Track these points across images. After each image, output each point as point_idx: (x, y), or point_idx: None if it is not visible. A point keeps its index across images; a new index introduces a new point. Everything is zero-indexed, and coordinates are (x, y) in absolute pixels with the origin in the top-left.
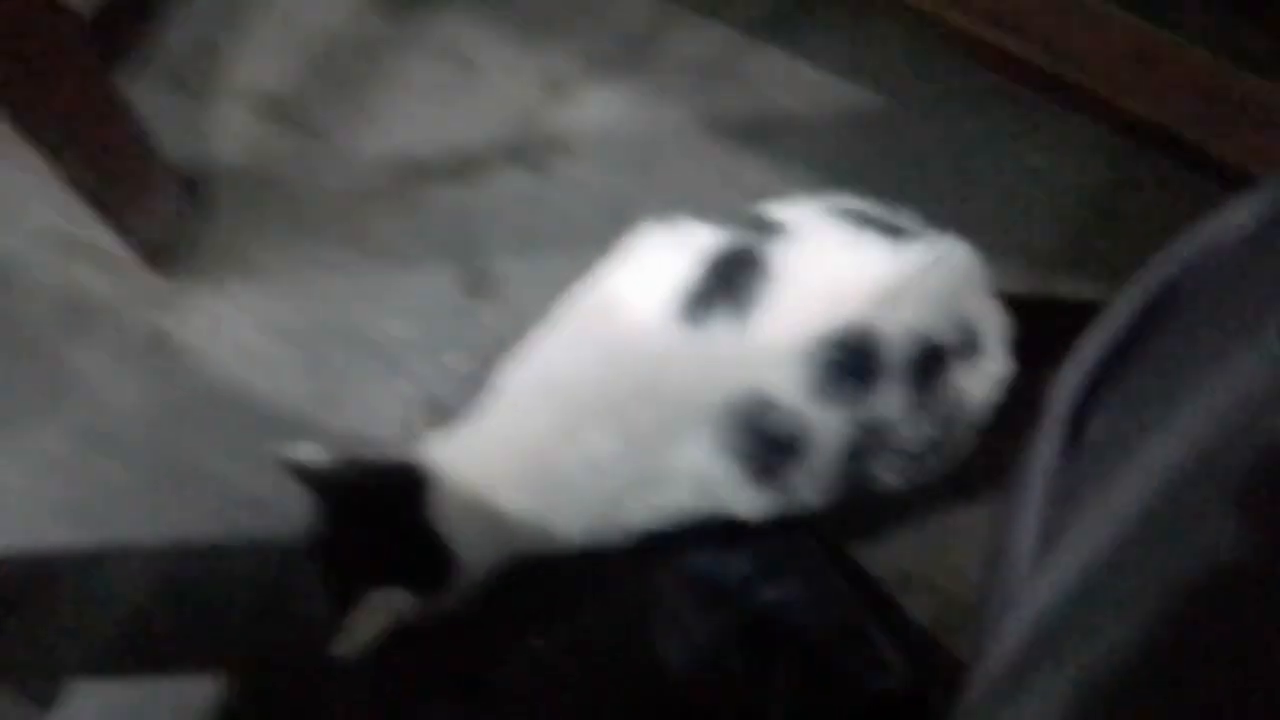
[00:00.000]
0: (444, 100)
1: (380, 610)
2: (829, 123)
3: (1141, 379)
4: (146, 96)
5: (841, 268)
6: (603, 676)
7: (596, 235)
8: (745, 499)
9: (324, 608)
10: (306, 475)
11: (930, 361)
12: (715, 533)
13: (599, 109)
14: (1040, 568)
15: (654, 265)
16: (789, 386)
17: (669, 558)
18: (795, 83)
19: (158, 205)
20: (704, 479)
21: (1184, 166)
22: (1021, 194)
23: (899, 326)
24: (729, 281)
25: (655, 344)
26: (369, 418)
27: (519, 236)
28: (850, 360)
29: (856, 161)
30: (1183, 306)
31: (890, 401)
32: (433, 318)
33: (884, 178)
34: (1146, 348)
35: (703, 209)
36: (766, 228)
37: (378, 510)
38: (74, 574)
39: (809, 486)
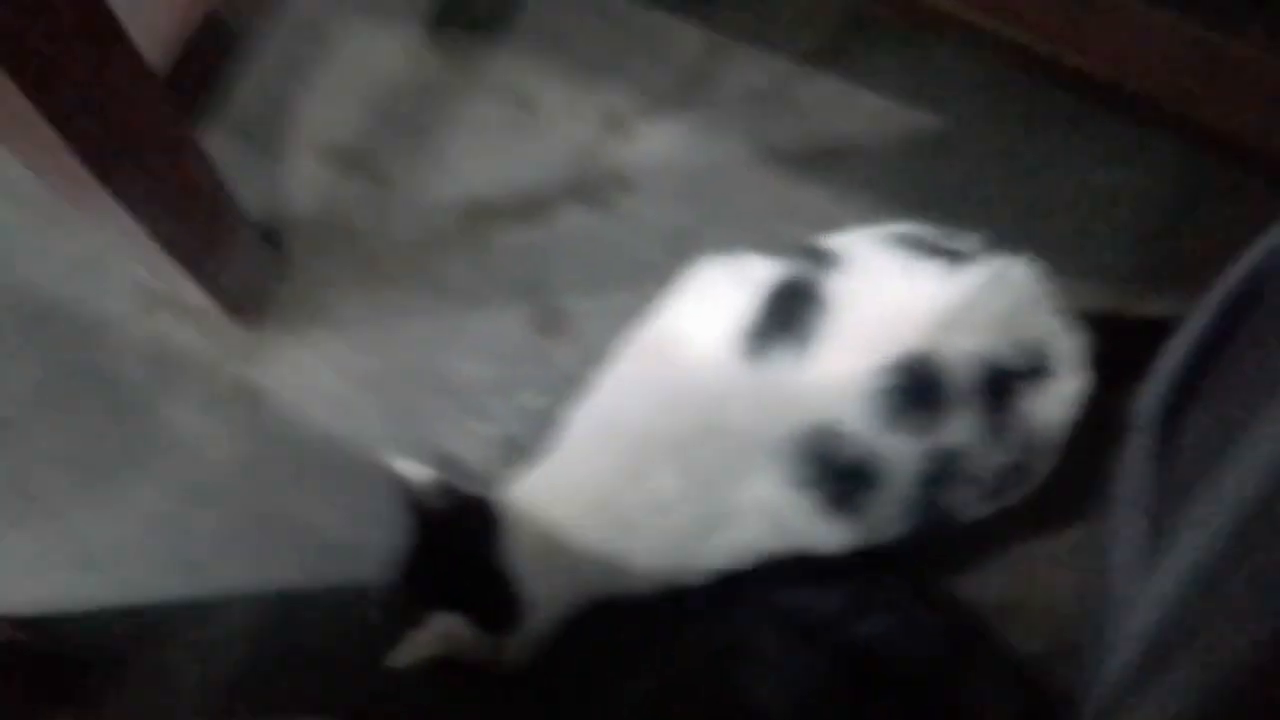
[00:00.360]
0: (506, 141)
1: (440, 634)
2: (889, 148)
3: (1230, 382)
4: (220, 151)
5: (898, 295)
6: None
7: (660, 269)
8: (821, 531)
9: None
10: (404, 490)
11: (998, 386)
12: (801, 570)
13: (658, 143)
14: (1153, 573)
15: (713, 300)
16: (855, 417)
17: (755, 597)
18: (853, 109)
19: (239, 258)
20: (774, 514)
21: (1255, 175)
22: (1090, 211)
23: (960, 352)
24: (788, 314)
25: (716, 380)
26: (450, 460)
27: (586, 273)
28: (913, 389)
29: (919, 187)
30: (1265, 308)
31: (959, 429)
32: (507, 358)
33: (947, 202)
34: (1232, 351)
35: (764, 240)
36: (824, 258)
37: (453, 541)
38: (182, 626)
39: (886, 516)
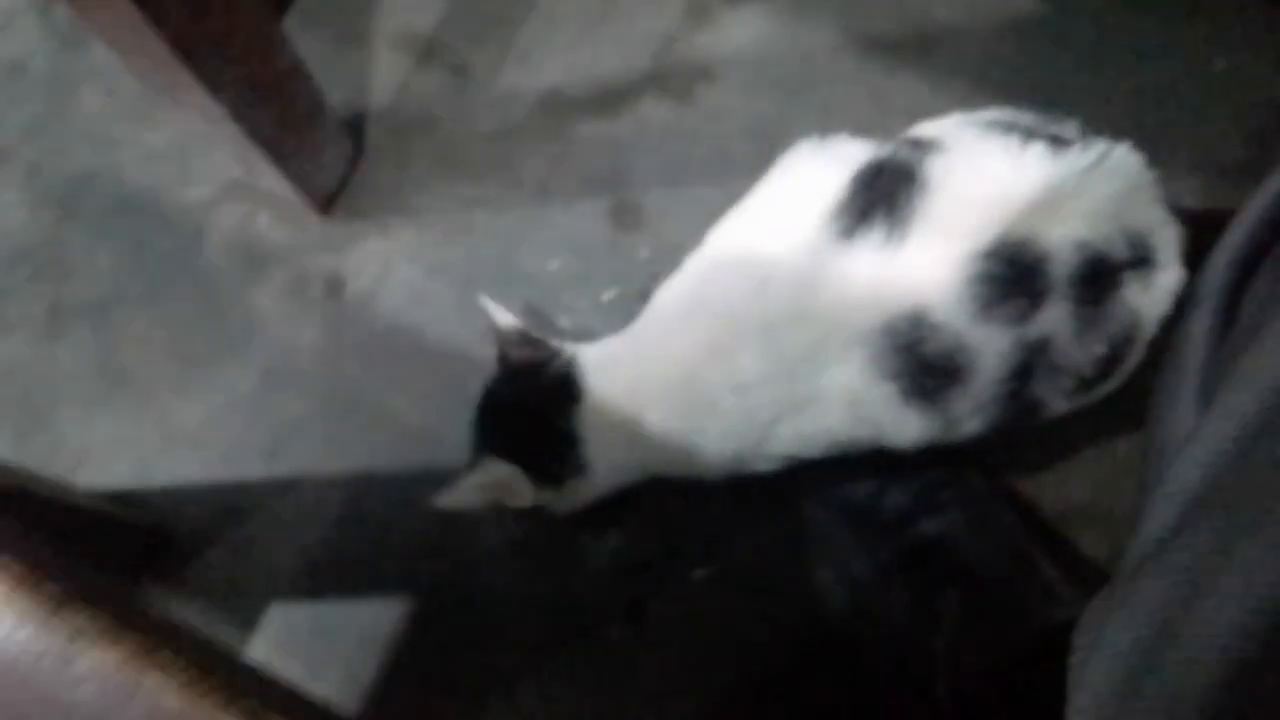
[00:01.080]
0: (586, 31)
1: (491, 481)
2: (987, 33)
3: None
4: (300, 41)
5: (997, 179)
6: (763, 607)
7: (744, 162)
8: (902, 423)
9: (496, 539)
10: (495, 332)
11: (1098, 275)
12: (871, 465)
13: (742, 32)
14: (1195, 437)
15: (808, 182)
16: (948, 305)
17: (824, 491)
18: None
19: (321, 147)
20: (858, 402)
21: None
22: (1204, 101)
23: (1063, 238)
24: (884, 198)
25: (809, 263)
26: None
27: (666, 167)
28: (1012, 275)
29: (1019, 73)
30: None
31: (1055, 318)
32: (586, 252)
33: (1050, 89)
34: None
35: (855, 130)
36: (920, 143)
37: (526, 391)
38: (265, 506)
39: (971, 410)
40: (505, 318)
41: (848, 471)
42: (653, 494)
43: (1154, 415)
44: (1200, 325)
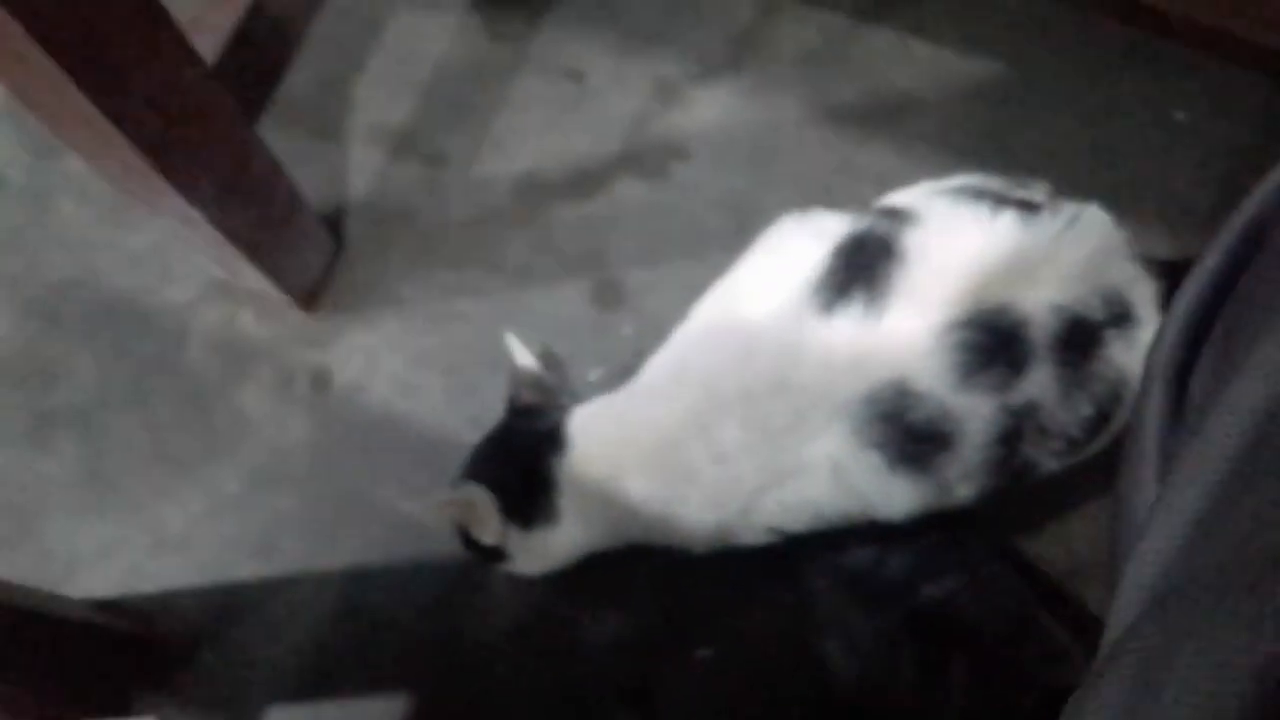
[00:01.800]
0: (558, 115)
1: (467, 501)
2: (950, 99)
3: (1230, 325)
4: (274, 138)
5: (972, 248)
6: (769, 684)
7: (720, 235)
8: (889, 493)
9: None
10: (512, 371)
11: (1079, 336)
12: (870, 533)
13: (711, 109)
14: (1149, 523)
15: (786, 254)
16: (930, 375)
17: (825, 560)
18: (909, 61)
19: (300, 244)
20: (842, 472)
21: None
22: (1167, 153)
23: (1039, 303)
24: (862, 270)
25: (790, 335)
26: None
27: (644, 244)
28: (992, 342)
29: (984, 137)
30: (1269, 251)
31: (1039, 382)
32: (570, 333)
33: (1015, 151)
34: (1235, 295)
35: (826, 201)
36: (895, 214)
37: (519, 435)
38: (258, 605)
39: (960, 476)
40: (525, 358)
41: (847, 539)
42: (651, 572)
43: (1117, 496)
44: (1154, 404)
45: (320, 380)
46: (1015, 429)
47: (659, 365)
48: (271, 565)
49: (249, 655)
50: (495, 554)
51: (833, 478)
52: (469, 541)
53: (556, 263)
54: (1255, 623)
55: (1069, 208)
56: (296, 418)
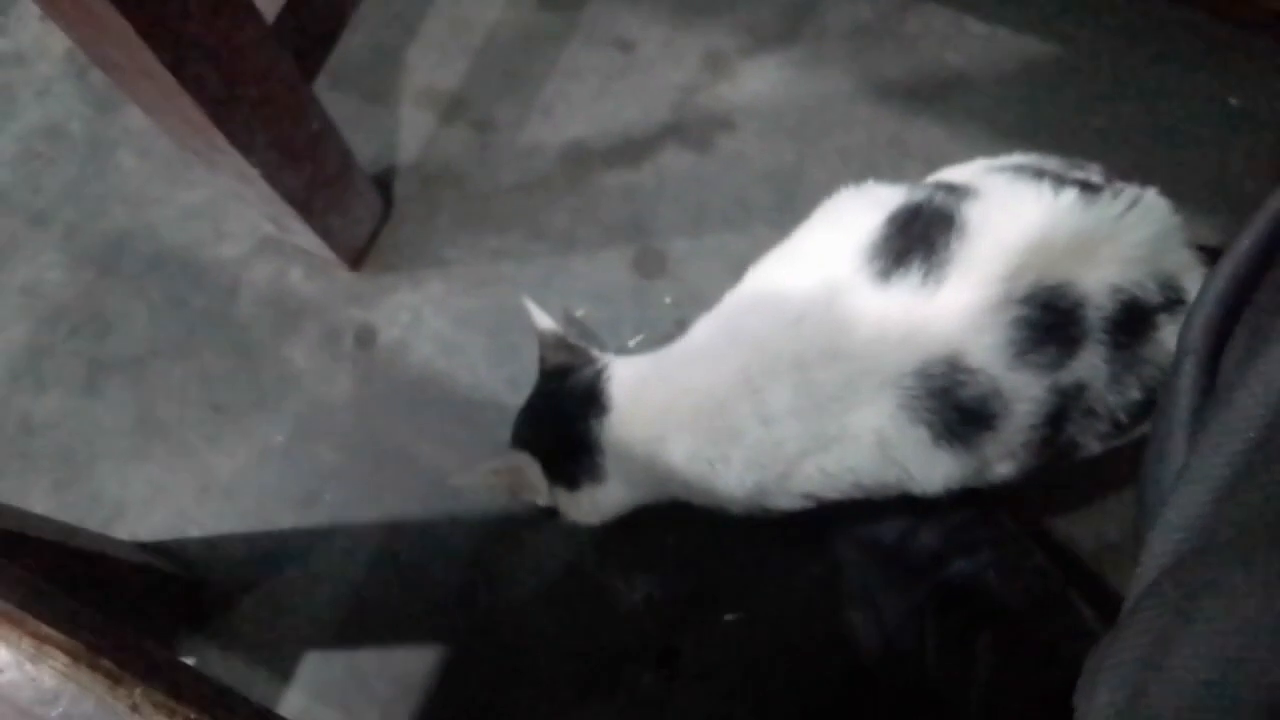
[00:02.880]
0: (607, 85)
1: (511, 466)
2: (1001, 78)
3: (1264, 304)
4: (328, 100)
5: (1035, 224)
6: (795, 650)
7: (763, 209)
8: (930, 466)
9: (526, 585)
10: (537, 334)
11: (1133, 319)
12: (901, 506)
13: (760, 82)
14: (1173, 492)
15: (845, 224)
16: (984, 351)
17: (855, 532)
18: (961, 39)
19: (351, 203)
20: (886, 443)
21: None
22: (1220, 138)
23: (1099, 283)
24: (920, 240)
25: (845, 302)
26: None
27: (688, 215)
28: (1049, 320)
29: (1034, 118)
30: None
31: (1092, 363)
32: (611, 300)
33: (1066, 133)
34: (1270, 275)
35: (872, 177)
36: (953, 188)
37: (557, 396)
38: (299, 554)
39: (1002, 455)
40: (545, 321)
41: (878, 513)
42: (683, 538)
43: (1144, 472)
44: (1185, 380)
45: (365, 337)
46: (1063, 409)
47: (709, 326)
48: (313, 516)
49: (288, 603)
50: (550, 511)
51: (877, 448)
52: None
53: (600, 230)
54: (1272, 580)
55: (1130, 190)
56: (341, 373)
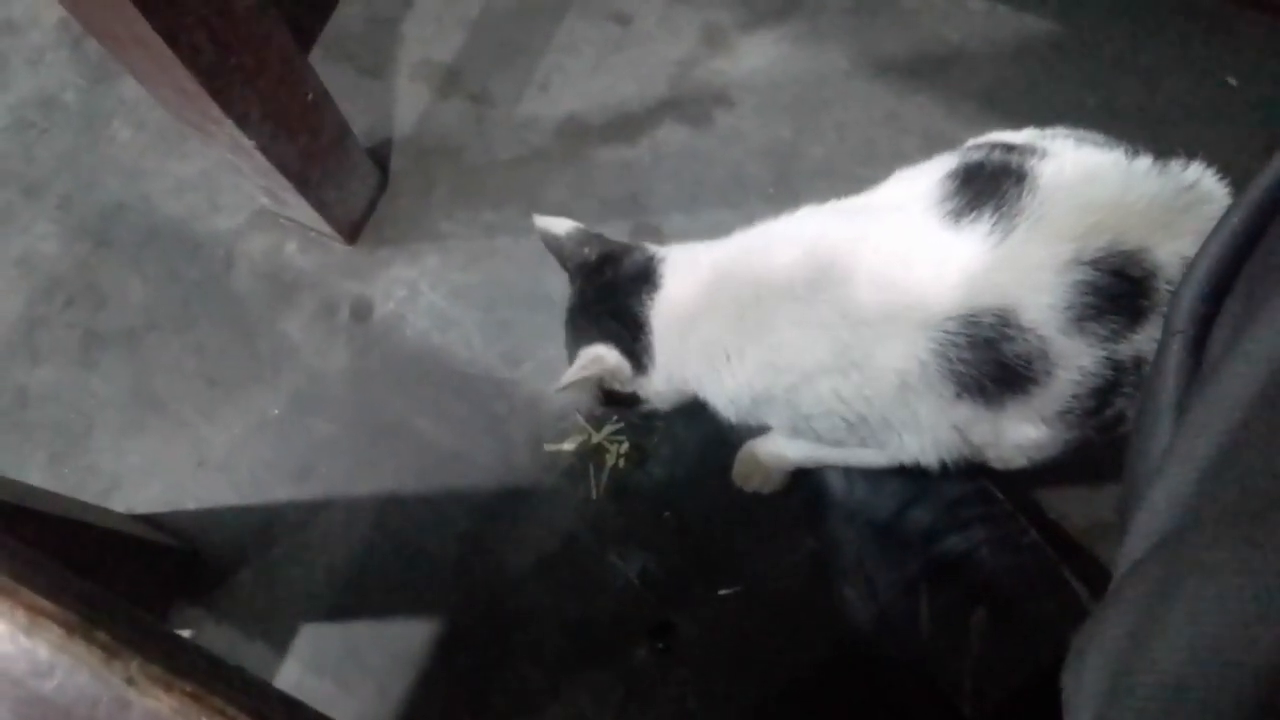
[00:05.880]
0: (604, 59)
1: (590, 359)
2: (1000, 54)
3: (1251, 284)
4: (325, 72)
5: (1112, 185)
6: (789, 624)
7: (759, 184)
8: (937, 423)
9: (522, 558)
10: (552, 242)
11: None
12: (896, 484)
13: (757, 57)
14: (1160, 471)
15: (922, 174)
16: (1040, 309)
17: (848, 507)
18: (960, 15)
19: (347, 176)
20: (906, 385)
21: None
22: (1217, 117)
23: (1173, 255)
24: (993, 192)
25: (911, 235)
26: (553, 374)
27: (684, 190)
28: (1118, 288)
29: (1033, 94)
30: None
31: (1154, 338)
32: None
33: (1065, 109)
34: (1256, 255)
35: (869, 154)
36: (1018, 147)
37: (609, 282)
38: (295, 527)
39: (1029, 418)
40: (564, 224)
41: (872, 488)
42: (679, 513)
43: (1131, 448)
44: (1172, 359)
45: (361, 311)
46: (1115, 382)
47: (778, 224)
48: (309, 489)
49: (284, 575)
50: (634, 399)
51: (897, 389)
52: (610, 397)
53: (596, 204)
54: (1256, 559)
55: (1196, 165)
56: (337, 346)
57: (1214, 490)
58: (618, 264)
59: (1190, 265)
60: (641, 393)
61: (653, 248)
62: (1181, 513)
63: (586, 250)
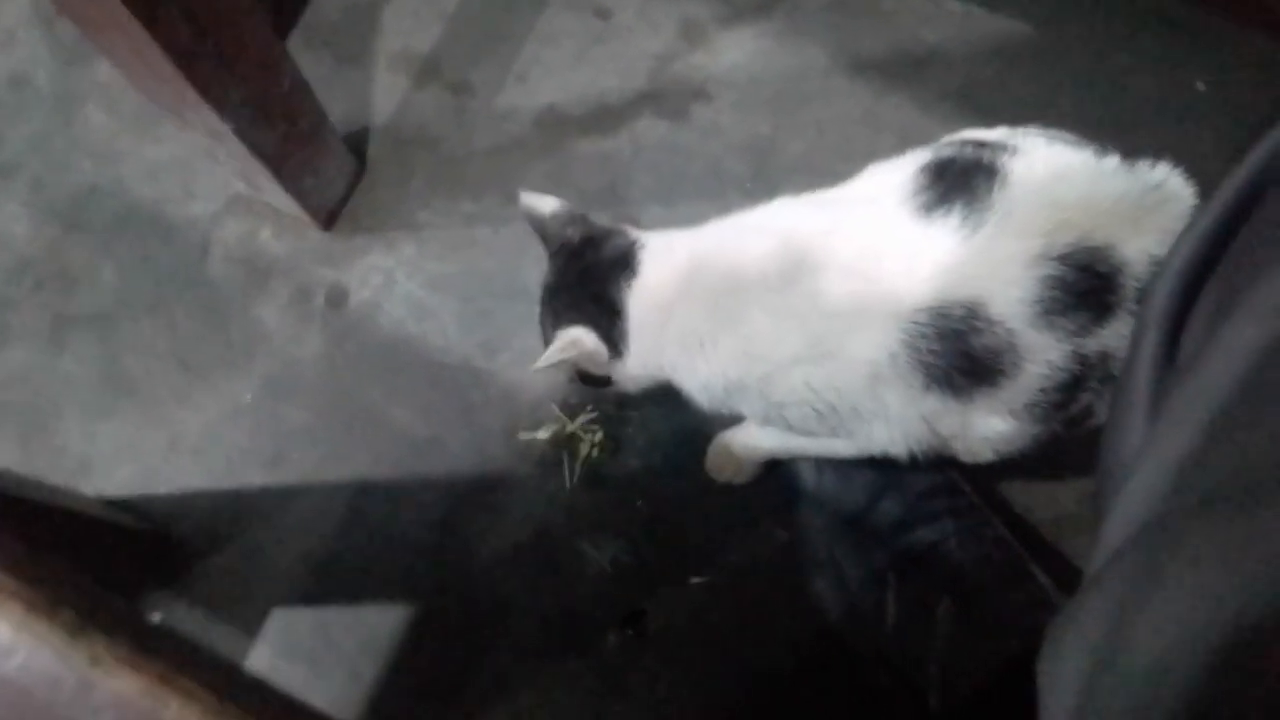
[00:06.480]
0: (584, 51)
1: (567, 341)
2: (975, 55)
3: (1225, 279)
4: (302, 60)
5: (1080, 182)
6: (759, 614)
7: (737, 179)
8: (906, 414)
9: (495, 546)
10: (537, 221)
11: None
12: (865, 477)
13: (736, 53)
14: (1138, 461)
15: (892, 169)
16: (1009, 303)
17: (819, 499)
18: (938, 16)
19: (323, 163)
20: (877, 377)
21: None
22: (1187, 120)
23: (1140, 253)
24: (963, 187)
25: (882, 227)
26: (529, 364)
27: (662, 183)
28: (1086, 283)
29: (1007, 94)
30: (1267, 204)
31: (1121, 334)
32: None
33: (1038, 110)
34: (1234, 247)
35: (846, 151)
36: (989, 144)
37: (588, 265)
38: (268, 512)
39: (996, 411)
40: (550, 203)
41: (843, 480)
42: (651, 502)
43: (1105, 442)
44: (1146, 351)
45: (336, 298)
46: (1081, 377)
47: (753, 215)
48: (282, 474)
49: (256, 560)
50: (606, 381)
51: (867, 380)
52: (584, 377)
53: (575, 196)
54: (1235, 547)
55: (1163, 166)
56: (312, 333)
57: (1194, 479)
58: (599, 248)
59: (1164, 260)
60: (614, 375)
61: (634, 233)
62: (1161, 501)
63: (570, 231)
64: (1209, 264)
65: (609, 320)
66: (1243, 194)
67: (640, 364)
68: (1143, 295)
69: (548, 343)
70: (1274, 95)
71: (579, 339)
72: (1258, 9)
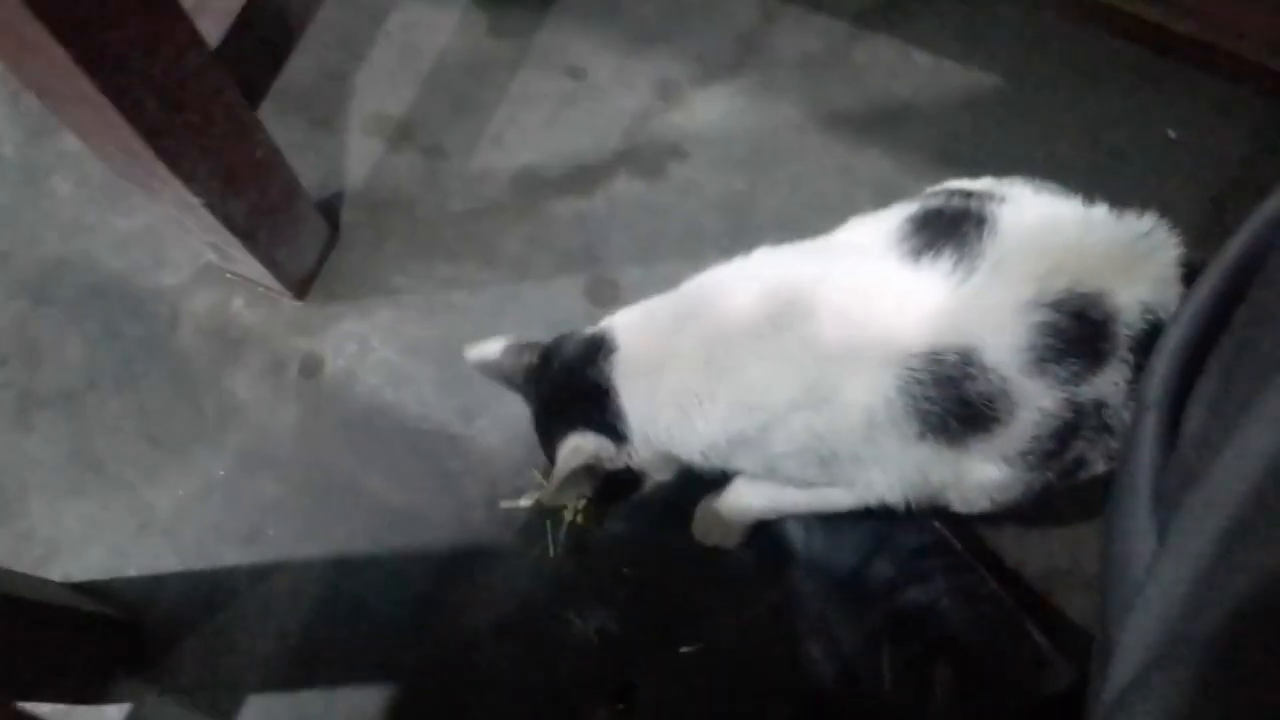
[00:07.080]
0: (558, 112)
1: (570, 451)
2: (947, 108)
3: (1232, 357)
4: (275, 126)
5: (1070, 231)
6: (752, 681)
7: (715, 236)
8: (901, 460)
9: (478, 620)
10: (492, 367)
11: (1156, 340)
12: (856, 535)
13: (711, 111)
14: (1153, 568)
15: (886, 217)
16: (1001, 349)
17: (810, 563)
18: (908, 70)
19: (296, 231)
20: (872, 423)
21: None
22: (1159, 168)
23: (1133, 300)
24: (953, 234)
25: (872, 273)
26: (509, 429)
27: (639, 242)
28: (1079, 331)
29: (981, 146)
30: (1265, 280)
31: (1114, 381)
32: (560, 327)
33: (1012, 160)
34: (1235, 323)
35: (822, 206)
36: (976, 193)
37: (562, 369)
38: (242, 591)
39: (991, 457)
40: (493, 346)
41: (832, 540)
42: (639, 569)
43: (1109, 524)
44: (1147, 432)
45: (311, 367)
46: (1075, 425)
47: (733, 267)
48: (257, 552)
49: (231, 642)
50: (634, 477)
51: (864, 425)
52: (608, 492)
53: (552, 258)
54: (1268, 674)
55: (1149, 217)
56: (286, 404)
57: (1215, 596)
58: (560, 351)
59: (1162, 337)
60: (634, 465)
61: (601, 323)
62: (1179, 614)
63: (527, 357)
64: (1207, 341)
65: (599, 406)
66: (1238, 267)
67: (644, 439)
68: (1141, 376)
69: (553, 464)
70: (1241, 144)
71: (578, 445)
72: (1222, 54)
